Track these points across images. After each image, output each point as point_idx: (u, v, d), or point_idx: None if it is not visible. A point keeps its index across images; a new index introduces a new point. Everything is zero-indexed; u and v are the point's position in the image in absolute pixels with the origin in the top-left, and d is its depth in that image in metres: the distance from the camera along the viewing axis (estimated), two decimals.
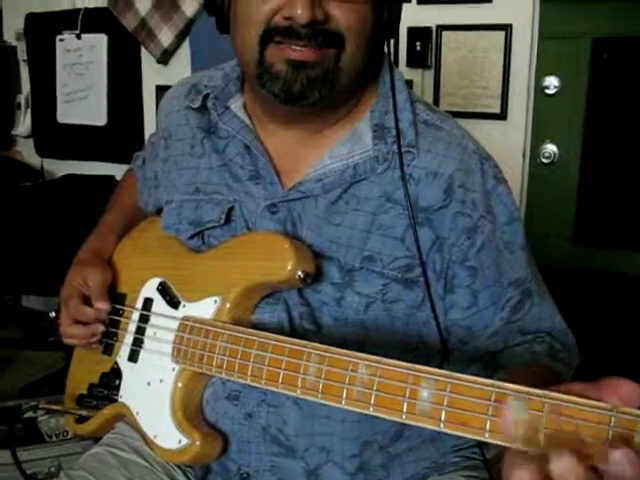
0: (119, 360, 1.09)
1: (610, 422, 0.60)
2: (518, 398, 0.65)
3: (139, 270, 1.12)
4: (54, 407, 1.21)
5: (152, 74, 2.95)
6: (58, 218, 2.71)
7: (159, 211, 1.18)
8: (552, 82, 2.32)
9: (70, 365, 1.22)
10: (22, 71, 3.35)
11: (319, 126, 1.02)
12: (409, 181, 0.96)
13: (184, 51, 2.85)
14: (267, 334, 0.88)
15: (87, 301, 1.11)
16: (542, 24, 2.30)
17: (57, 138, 3.20)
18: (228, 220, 1.04)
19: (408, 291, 0.98)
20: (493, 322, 1.01)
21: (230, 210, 1.04)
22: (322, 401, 0.80)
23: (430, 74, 2.45)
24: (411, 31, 2.40)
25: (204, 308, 0.98)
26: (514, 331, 1.02)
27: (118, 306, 1.12)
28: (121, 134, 3.03)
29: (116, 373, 1.09)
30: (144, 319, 1.07)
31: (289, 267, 0.91)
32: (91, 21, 3.03)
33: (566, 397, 0.63)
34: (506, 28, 2.32)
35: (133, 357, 1.07)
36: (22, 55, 3.30)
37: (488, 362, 1.01)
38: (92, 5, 3.01)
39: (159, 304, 1.06)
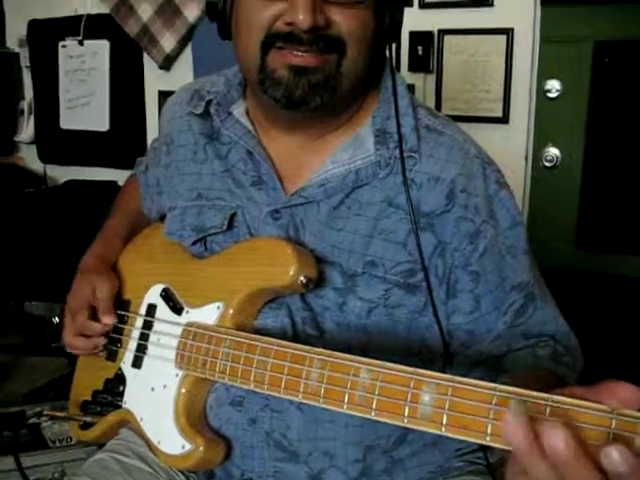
0: (123, 366, 1.10)
1: (611, 424, 0.60)
2: (520, 401, 0.65)
3: (143, 276, 1.12)
4: (58, 414, 1.21)
5: (154, 80, 2.95)
6: (61, 224, 2.71)
7: (162, 217, 1.18)
8: (554, 85, 2.32)
9: (74, 372, 1.22)
10: (25, 77, 3.35)
11: (321, 131, 1.02)
12: (411, 186, 0.96)
13: (186, 57, 2.85)
14: (270, 339, 0.88)
15: (94, 312, 1.11)
16: (543, 28, 2.30)
17: (60, 144, 3.21)
18: (231, 226, 1.04)
19: (410, 296, 0.98)
20: (496, 326, 1.01)
21: (232, 216, 1.04)
22: (324, 406, 0.80)
23: (432, 78, 2.45)
24: (413, 35, 2.40)
25: (207, 314, 0.98)
26: (517, 335, 1.02)
27: (122, 312, 1.12)
28: (124, 140, 3.03)
29: (120, 379, 1.09)
30: (148, 325, 1.07)
31: (291, 272, 0.92)
32: (93, 27, 3.03)
33: (568, 400, 0.63)
34: (507, 32, 2.32)
35: (137, 363, 1.08)
36: (25, 61, 3.30)
37: (491, 366, 1.01)
38: (94, 11, 3.02)
39: (163, 310, 1.06)
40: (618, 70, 2.22)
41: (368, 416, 0.76)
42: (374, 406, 0.76)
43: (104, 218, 1.30)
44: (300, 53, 0.91)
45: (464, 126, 1.08)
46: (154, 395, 1.03)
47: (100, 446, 1.16)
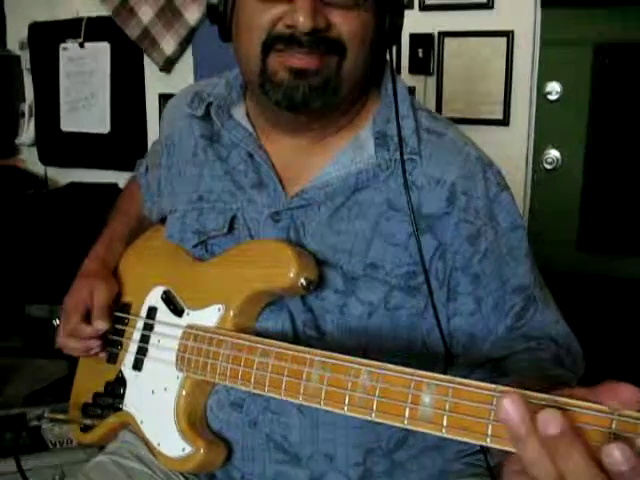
0: (124, 369, 1.10)
1: (612, 425, 0.60)
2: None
3: (143, 279, 1.12)
4: (59, 416, 1.21)
5: (155, 82, 2.96)
6: (62, 226, 2.71)
7: (163, 220, 1.18)
8: (554, 88, 2.32)
9: (75, 374, 1.22)
10: (26, 80, 3.36)
11: (322, 134, 1.02)
12: (412, 188, 0.96)
13: (187, 59, 2.86)
14: (270, 341, 0.88)
15: (88, 315, 1.11)
16: (543, 30, 2.31)
17: (61, 146, 3.21)
18: (231, 228, 1.04)
19: (411, 298, 0.98)
20: (497, 329, 1.01)
21: (233, 218, 1.04)
22: (324, 407, 0.80)
23: (432, 80, 2.45)
24: (413, 38, 2.41)
25: (208, 316, 0.98)
26: (518, 337, 1.02)
27: (122, 315, 1.12)
28: (124, 142, 3.04)
29: (120, 382, 1.09)
30: (148, 327, 1.07)
31: (292, 274, 0.92)
32: (94, 30, 3.04)
33: (568, 401, 0.63)
34: (508, 34, 2.33)
35: (137, 366, 1.07)
36: (26, 64, 3.31)
37: (492, 368, 1.01)
38: (95, 14, 3.02)
39: (163, 312, 1.06)
40: (618, 72, 2.22)
41: (368, 418, 0.76)
42: (374, 408, 0.76)
43: (105, 220, 1.30)
44: (300, 55, 0.91)
45: (464, 128, 1.08)
46: (154, 398, 1.03)
47: (100, 448, 1.16)
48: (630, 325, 2.11)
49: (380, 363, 0.77)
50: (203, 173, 1.09)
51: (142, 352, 1.07)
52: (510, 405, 0.61)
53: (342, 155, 1.00)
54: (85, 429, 1.14)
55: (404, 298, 0.98)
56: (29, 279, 2.69)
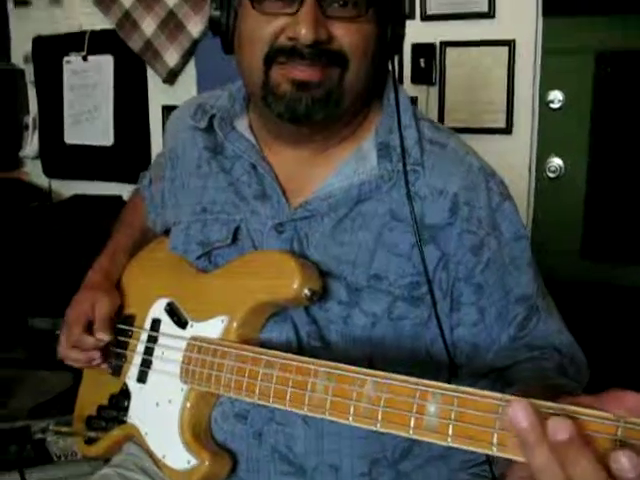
0: (128, 381, 1.10)
1: (617, 432, 0.60)
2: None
3: (147, 291, 1.12)
4: (63, 429, 1.21)
5: (158, 94, 2.97)
6: (66, 239, 2.72)
7: (167, 231, 1.18)
8: (556, 96, 2.32)
9: (79, 387, 1.22)
10: (30, 93, 3.37)
11: (324, 145, 1.02)
12: (414, 199, 0.96)
13: (190, 71, 2.87)
14: (274, 352, 0.88)
15: (90, 327, 1.11)
16: (545, 39, 2.31)
17: (65, 159, 3.22)
18: (235, 240, 1.04)
19: (414, 308, 0.98)
20: (500, 338, 1.01)
21: (237, 230, 1.04)
22: (329, 418, 0.80)
23: (434, 90, 2.46)
24: (415, 48, 2.41)
25: (212, 328, 0.98)
26: (521, 347, 1.02)
27: (126, 327, 1.12)
28: (128, 154, 3.05)
29: (125, 394, 1.09)
30: (152, 340, 1.07)
31: (295, 285, 0.92)
32: (97, 43, 3.05)
33: (575, 408, 0.63)
34: (509, 44, 2.33)
35: (142, 378, 1.07)
36: (30, 77, 3.33)
37: (496, 378, 1.01)
38: (98, 27, 3.04)
39: (167, 324, 1.06)
40: (620, 80, 2.22)
41: (374, 428, 0.76)
42: (380, 418, 0.76)
43: (109, 233, 1.30)
44: (303, 68, 0.91)
45: (467, 137, 1.08)
46: (159, 410, 1.02)
47: (105, 461, 1.16)
48: (634, 333, 2.10)
49: (385, 373, 0.77)
50: (207, 185, 1.09)
51: (146, 364, 1.07)
52: (520, 411, 0.62)
53: (345, 166, 1.00)
54: (90, 442, 1.14)
55: (408, 308, 0.98)
56: (32, 291, 2.69)
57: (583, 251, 2.34)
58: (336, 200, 0.99)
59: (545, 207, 2.39)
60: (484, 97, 2.39)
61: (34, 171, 3.37)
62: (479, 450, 0.68)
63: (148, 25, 2.83)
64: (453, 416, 0.70)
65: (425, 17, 2.41)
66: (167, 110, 2.91)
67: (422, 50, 2.41)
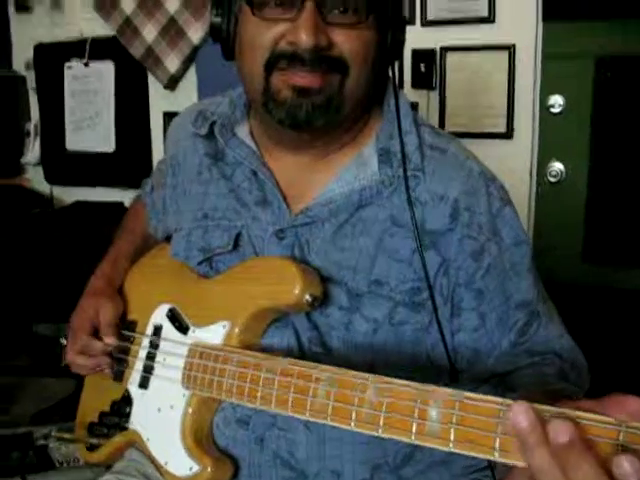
0: (130, 387, 1.10)
1: (619, 437, 0.61)
2: None
3: (149, 297, 1.13)
4: (66, 435, 1.21)
5: (159, 100, 2.97)
6: (68, 245, 2.72)
7: (168, 238, 1.18)
8: (557, 101, 2.33)
9: (81, 393, 1.22)
10: (31, 100, 3.38)
11: (325, 151, 1.02)
12: (415, 204, 0.97)
13: (191, 77, 2.88)
14: (276, 357, 0.88)
15: (96, 333, 1.11)
16: (545, 44, 2.31)
17: (66, 165, 3.23)
18: (236, 246, 1.04)
19: (415, 314, 0.98)
20: (501, 344, 1.01)
21: (238, 236, 1.04)
22: (331, 423, 0.80)
23: (435, 95, 2.46)
24: (415, 53, 2.42)
25: (213, 333, 0.99)
26: (522, 353, 1.02)
27: (128, 333, 1.13)
28: (129, 160, 3.05)
29: (127, 400, 1.09)
30: (154, 345, 1.08)
31: (297, 291, 0.92)
32: (98, 49, 3.06)
33: (575, 413, 0.63)
34: (509, 48, 2.34)
35: (144, 384, 1.08)
36: (31, 84, 3.33)
37: (498, 384, 1.01)
38: (99, 33, 3.04)
39: (169, 330, 1.06)
40: (620, 85, 2.23)
41: (375, 434, 0.76)
42: (381, 423, 0.76)
43: (111, 239, 1.31)
44: (303, 74, 0.91)
45: (468, 142, 1.09)
46: (161, 416, 1.03)
47: (107, 467, 1.16)
48: (636, 336, 2.10)
49: (387, 378, 0.77)
50: (208, 191, 1.09)
51: (148, 370, 1.07)
52: (521, 412, 0.62)
53: (345, 172, 1.01)
54: (92, 448, 1.14)
55: (409, 314, 0.98)
56: (36, 298, 2.70)
57: (584, 254, 2.34)
58: (337, 206, 0.99)
59: (546, 211, 2.39)
60: (484, 102, 2.39)
61: (36, 178, 3.38)
62: (481, 456, 0.68)
63: (149, 32, 2.84)
64: (455, 420, 0.70)
65: (425, 22, 2.41)
66: (168, 116, 2.91)
67: (422, 55, 2.42)
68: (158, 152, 2.94)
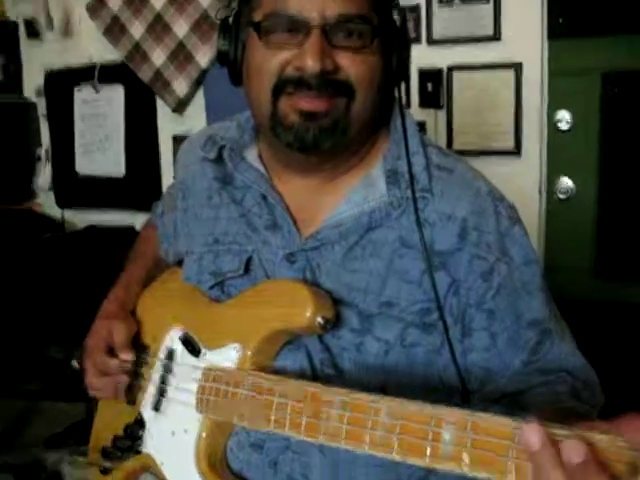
0: (143, 411, 1.10)
1: (635, 461, 0.60)
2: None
3: (161, 320, 1.13)
4: (79, 460, 1.21)
5: (168, 124, 3.00)
6: (80, 269, 2.74)
7: (180, 262, 1.19)
8: (564, 117, 2.33)
9: (94, 417, 1.23)
10: (42, 125, 3.42)
11: (333, 173, 1.03)
12: (424, 225, 0.97)
13: (199, 100, 2.90)
14: (289, 380, 0.88)
15: (111, 353, 1.12)
16: (551, 61, 2.33)
17: (77, 189, 3.25)
18: (247, 270, 1.05)
19: (427, 335, 0.98)
20: (513, 363, 1.01)
21: (249, 260, 1.05)
22: (345, 446, 0.80)
23: (443, 114, 2.47)
24: (422, 72, 2.43)
25: (226, 357, 0.99)
26: (534, 372, 1.01)
27: (141, 356, 1.13)
28: (139, 183, 3.07)
29: (140, 424, 1.10)
30: (167, 369, 1.08)
31: (309, 314, 0.92)
32: (108, 74, 3.09)
33: (589, 434, 0.63)
34: (516, 66, 2.35)
35: (157, 407, 1.08)
36: (42, 110, 3.37)
37: (510, 404, 1.00)
38: (109, 58, 3.08)
39: (182, 354, 1.06)
40: (627, 99, 2.23)
41: (389, 457, 0.76)
42: (395, 446, 0.76)
43: (122, 263, 1.31)
44: (309, 99, 0.92)
45: (476, 160, 1.09)
46: (175, 439, 1.03)
47: None
48: None
49: (399, 400, 0.77)
50: (218, 216, 1.10)
51: (161, 394, 1.07)
52: (533, 434, 0.62)
53: (354, 194, 1.01)
54: (105, 472, 1.14)
55: (420, 335, 0.98)
56: (48, 322, 2.71)
57: (595, 270, 2.33)
58: (346, 228, 0.99)
59: (556, 227, 2.39)
60: (492, 120, 2.40)
61: (47, 202, 3.41)
62: (496, 478, 0.68)
63: (158, 56, 2.87)
64: (469, 443, 0.70)
65: (431, 42, 2.43)
66: (177, 139, 2.94)
67: (429, 74, 2.43)
68: (167, 175, 2.96)
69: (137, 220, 2.90)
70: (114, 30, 2.97)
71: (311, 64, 0.90)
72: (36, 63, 3.31)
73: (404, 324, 0.97)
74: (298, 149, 0.96)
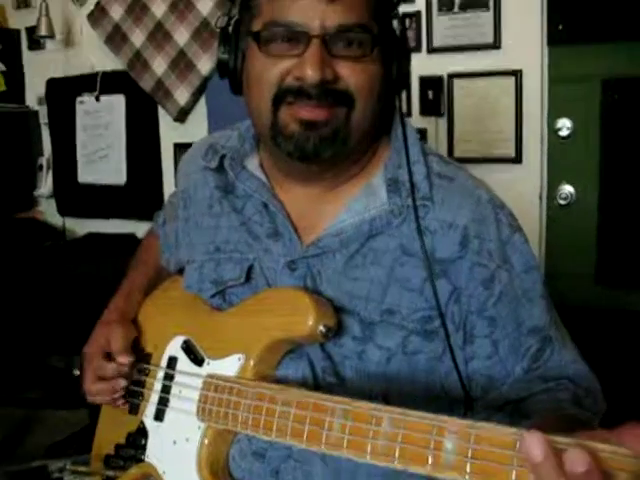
0: (145, 419, 1.10)
1: (637, 470, 0.60)
2: None
3: (163, 329, 1.13)
4: (81, 468, 1.21)
5: (170, 132, 3.00)
6: (81, 277, 2.74)
7: (181, 270, 1.19)
8: (565, 124, 2.34)
9: (97, 425, 1.23)
10: (44, 134, 3.43)
11: (334, 182, 1.03)
12: (425, 233, 0.97)
13: (200, 108, 2.91)
14: (291, 389, 0.88)
15: (109, 358, 1.12)
16: (551, 68, 2.33)
17: (78, 198, 3.26)
18: (249, 278, 1.05)
19: (428, 343, 0.98)
20: (514, 371, 1.01)
21: (250, 268, 1.05)
22: (347, 455, 0.80)
23: (443, 122, 2.48)
24: (423, 80, 2.44)
25: (228, 365, 0.99)
26: (535, 379, 1.01)
27: (144, 365, 1.13)
28: (141, 191, 3.07)
29: (142, 432, 1.10)
30: (169, 377, 1.08)
31: (310, 322, 0.92)
32: (109, 83, 3.10)
33: (590, 443, 0.63)
34: (516, 73, 2.35)
35: (159, 416, 1.08)
36: (43, 119, 3.38)
37: (512, 411, 1.00)
38: (110, 68, 3.09)
39: (184, 362, 1.07)
40: (628, 106, 2.23)
41: (391, 466, 0.76)
42: (397, 455, 0.76)
43: (124, 271, 1.32)
44: (309, 108, 0.93)
45: (477, 167, 1.09)
46: (176, 448, 1.03)
47: None
48: None
49: (401, 409, 0.77)
50: (219, 224, 1.10)
51: (163, 402, 1.07)
52: (535, 445, 0.62)
53: (355, 202, 1.01)
54: None
55: (422, 343, 0.98)
56: (49, 330, 2.71)
57: (597, 277, 2.33)
58: (347, 236, 0.99)
59: (558, 234, 2.39)
60: (493, 127, 2.40)
61: (48, 210, 3.42)
62: None
63: (159, 65, 2.87)
64: (470, 453, 0.70)
65: (431, 49, 2.44)
66: (179, 148, 2.94)
67: (430, 82, 2.44)
68: (169, 183, 2.97)
69: (138, 229, 2.91)
70: (115, 38, 2.98)
71: (311, 74, 0.90)
72: (38, 72, 3.33)
73: (406, 332, 0.97)
74: (298, 158, 0.96)
